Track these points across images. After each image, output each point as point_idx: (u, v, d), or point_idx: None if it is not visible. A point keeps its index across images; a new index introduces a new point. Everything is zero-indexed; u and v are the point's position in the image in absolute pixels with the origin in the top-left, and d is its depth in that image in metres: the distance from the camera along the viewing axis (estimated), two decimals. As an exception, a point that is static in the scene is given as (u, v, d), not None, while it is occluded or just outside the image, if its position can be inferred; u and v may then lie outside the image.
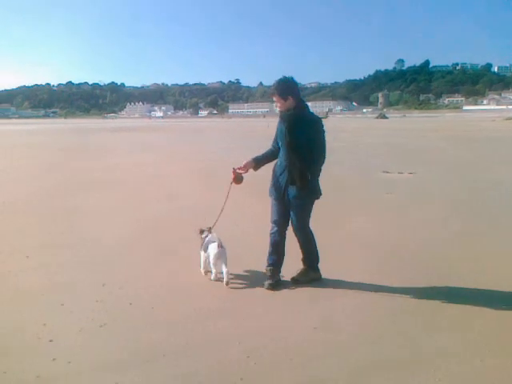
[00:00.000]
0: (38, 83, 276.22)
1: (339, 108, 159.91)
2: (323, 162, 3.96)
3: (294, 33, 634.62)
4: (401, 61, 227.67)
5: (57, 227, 6.29)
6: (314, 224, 4.18)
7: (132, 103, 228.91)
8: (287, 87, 3.87)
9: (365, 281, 4.14)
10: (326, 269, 4.23)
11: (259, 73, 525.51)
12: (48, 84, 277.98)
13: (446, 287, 4.03)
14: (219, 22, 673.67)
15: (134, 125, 71.65)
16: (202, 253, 4.33)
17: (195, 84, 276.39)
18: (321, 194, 4.01)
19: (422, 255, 4.91)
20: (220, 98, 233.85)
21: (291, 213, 3.98)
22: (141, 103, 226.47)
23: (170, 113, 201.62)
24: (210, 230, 4.40)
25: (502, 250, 5.08)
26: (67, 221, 6.68)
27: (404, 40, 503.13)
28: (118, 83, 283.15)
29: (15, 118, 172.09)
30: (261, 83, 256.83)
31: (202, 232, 4.45)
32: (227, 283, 4.03)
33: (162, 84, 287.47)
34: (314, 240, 4.14)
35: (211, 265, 4.18)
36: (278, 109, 3.96)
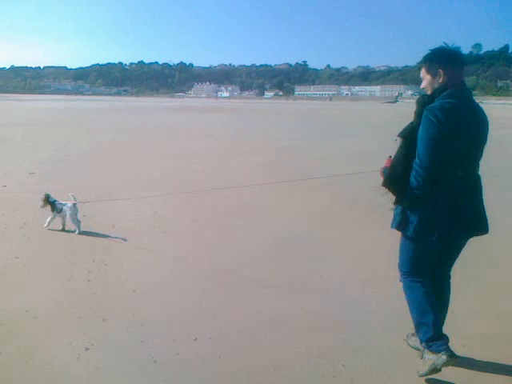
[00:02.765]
0: (111, 62, 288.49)
1: (410, 92, 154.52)
2: None
3: (362, 14, 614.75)
4: (478, 45, 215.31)
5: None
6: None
7: (199, 83, 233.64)
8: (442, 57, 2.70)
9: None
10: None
11: (327, 55, 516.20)
12: (120, 63, 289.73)
13: None
14: (287, 2, 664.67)
15: (201, 104, 74.39)
16: (55, 213, 5.60)
17: (262, 65, 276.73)
18: None
19: None
20: (286, 79, 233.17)
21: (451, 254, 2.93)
22: (208, 83, 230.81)
23: (236, 93, 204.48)
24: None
25: None
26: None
27: (481, 23, 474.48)
28: (187, 63, 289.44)
29: (88, 94, 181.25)
30: (328, 65, 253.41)
31: (47, 197, 5.62)
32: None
33: (229, 65, 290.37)
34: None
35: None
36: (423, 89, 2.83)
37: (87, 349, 3.11)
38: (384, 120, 30.12)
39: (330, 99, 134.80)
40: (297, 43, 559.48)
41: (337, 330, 3.44)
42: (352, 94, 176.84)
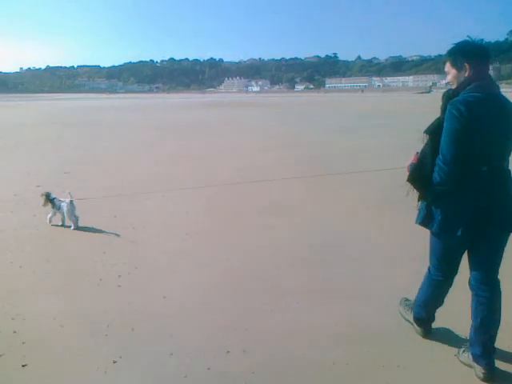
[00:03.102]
0: (143, 59, 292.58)
1: (444, 82, 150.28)
2: None
3: (392, 2, 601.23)
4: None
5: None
6: None
7: (229, 78, 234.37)
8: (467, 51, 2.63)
9: None
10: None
11: (357, 46, 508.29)
12: (151, 60, 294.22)
13: None
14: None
15: (231, 100, 74.23)
16: (54, 210, 5.80)
17: (291, 59, 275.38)
18: None
19: None
20: (316, 72, 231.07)
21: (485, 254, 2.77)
22: (238, 78, 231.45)
23: (266, 87, 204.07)
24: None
25: None
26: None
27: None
28: (217, 59, 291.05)
29: (122, 92, 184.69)
30: (359, 57, 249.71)
31: (47, 196, 5.86)
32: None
33: (259, 59, 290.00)
34: None
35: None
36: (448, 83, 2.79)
37: (115, 362, 2.96)
38: (418, 111, 29.27)
39: (362, 91, 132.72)
40: (326, 35, 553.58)
41: (378, 341, 3.19)
42: (384, 85, 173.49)
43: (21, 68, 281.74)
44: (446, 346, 3.06)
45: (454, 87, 2.67)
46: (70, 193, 5.89)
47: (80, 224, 5.86)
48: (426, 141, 2.67)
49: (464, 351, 2.86)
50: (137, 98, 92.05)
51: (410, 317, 3.24)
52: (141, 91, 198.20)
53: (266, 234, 5.69)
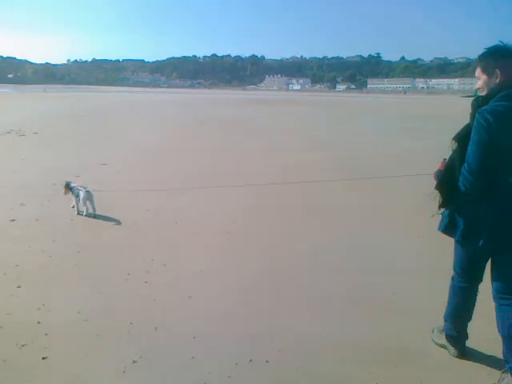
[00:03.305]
0: (186, 55, 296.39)
1: (475, 88, 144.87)
2: None
3: (439, 1, 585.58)
4: None
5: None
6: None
7: (270, 76, 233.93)
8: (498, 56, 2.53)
9: None
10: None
11: (401, 46, 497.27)
12: (194, 56, 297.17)
13: None
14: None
15: (272, 97, 74.09)
16: (74, 197, 6.04)
17: (333, 58, 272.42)
18: None
19: None
20: (359, 72, 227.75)
21: None
22: (279, 76, 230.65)
23: (307, 86, 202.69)
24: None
25: None
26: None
27: None
28: (258, 56, 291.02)
29: (164, 86, 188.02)
30: (403, 57, 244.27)
31: (67, 185, 6.16)
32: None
33: (301, 57, 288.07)
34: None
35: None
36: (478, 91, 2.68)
37: (134, 362, 2.88)
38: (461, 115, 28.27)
39: (405, 93, 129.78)
40: (370, 34, 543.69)
41: (415, 363, 2.99)
42: (428, 88, 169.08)
43: (68, 60, 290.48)
44: (485, 370, 2.84)
45: (484, 93, 2.56)
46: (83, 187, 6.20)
47: (114, 216, 5.92)
48: (454, 147, 2.59)
49: (503, 379, 2.68)
50: (180, 93, 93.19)
51: (443, 339, 3.07)
52: (182, 86, 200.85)
53: (305, 237, 5.53)
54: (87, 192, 5.94)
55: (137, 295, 3.83)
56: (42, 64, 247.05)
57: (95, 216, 5.94)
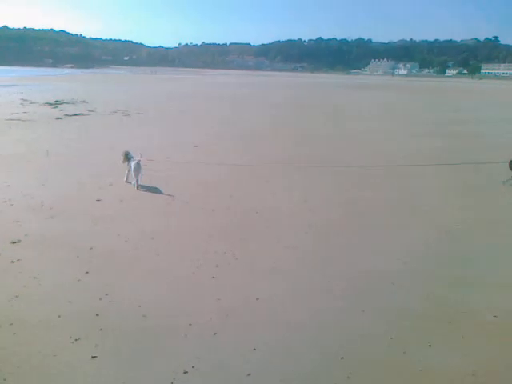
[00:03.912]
0: (291, 38, 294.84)
1: None
2: None
3: None
4: None
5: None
6: None
7: (376, 60, 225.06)
8: None
9: None
10: None
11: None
12: (300, 39, 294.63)
13: None
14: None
15: (377, 82, 70.77)
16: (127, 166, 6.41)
17: (445, 41, 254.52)
18: None
19: None
20: (473, 57, 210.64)
21: None
22: (385, 60, 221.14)
23: (414, 71, 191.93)
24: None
25: None
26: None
27: None
28: (365, 39, 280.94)
29: (268, 70, 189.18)
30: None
31: (126, 155, 6.44)
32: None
33: (410, 40, 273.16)
34: None
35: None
36: None
37: (185, 372, 2.61)
38: None
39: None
40: (487, 15, 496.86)
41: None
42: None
43: (179, 43, 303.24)
44: None
45: None
46: (140, 153, 6.43)
47: (195, 203, 5.77)
48: None
49: None
50: (283, 76, 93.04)
51: None
52: (286, 69, 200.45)
53: (396, 237, 4.95)
54: (137, 163, 6.23)
55: (201, 292, 3.58)
56: (155, 47, 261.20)
57: (138, 187, 6.27)
